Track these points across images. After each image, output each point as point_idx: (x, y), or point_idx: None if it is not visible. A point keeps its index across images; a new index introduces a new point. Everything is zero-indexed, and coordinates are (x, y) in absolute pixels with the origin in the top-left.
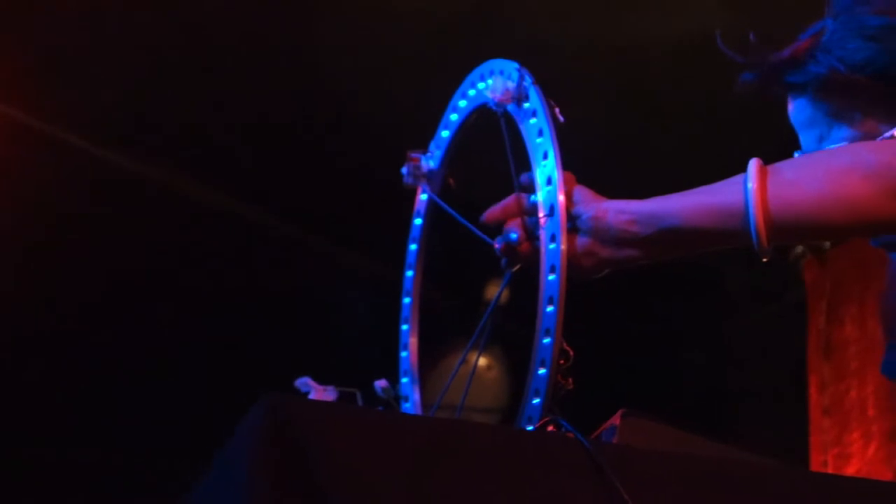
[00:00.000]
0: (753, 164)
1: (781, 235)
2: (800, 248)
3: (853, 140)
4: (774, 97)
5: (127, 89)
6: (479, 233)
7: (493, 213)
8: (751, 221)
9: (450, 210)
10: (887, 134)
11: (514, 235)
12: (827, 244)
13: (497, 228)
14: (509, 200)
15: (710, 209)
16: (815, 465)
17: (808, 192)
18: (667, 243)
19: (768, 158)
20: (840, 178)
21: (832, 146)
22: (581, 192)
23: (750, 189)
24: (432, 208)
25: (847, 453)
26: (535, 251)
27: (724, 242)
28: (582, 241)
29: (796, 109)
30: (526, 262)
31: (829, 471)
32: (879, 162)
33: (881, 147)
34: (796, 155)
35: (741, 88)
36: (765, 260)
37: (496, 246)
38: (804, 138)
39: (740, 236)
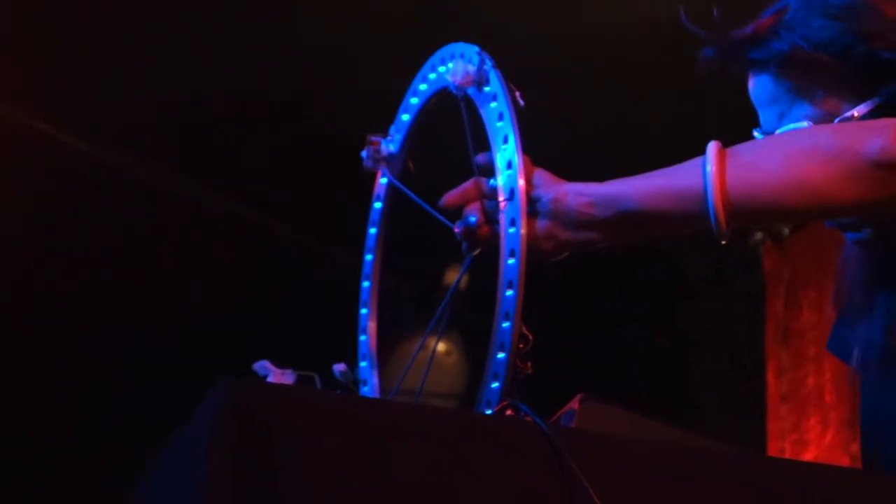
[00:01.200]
0: (712, 147)
1: (740, 218)
2: (759, 234)
3: (814, 118)
4: (735, 74)
5: (82, 67)
6: (439, 216)
7: (452, 196)
8: (709, 204)
9: (409, 193)
10: (847, 114)
11: (473, 219)
12: (786, 230)
13: (457, 212)
14: (468, 184)
15: (669, 192)
16: (773, 451)
17: (767, 176)
18: (625, 226)
19: (731, 141)
20: (799, 162)
21: (792, 125)
22: (540, 176)
23: (708, 172)
24: (392, 192)
25: (804, 440)
26: (495, 235)
27: (683, 226)
28: (541, 224)
29: (757, 86)
30: (486, 246)
31: (787, 457)
32: (838, 146)
33: (840, 130)
34: (755, 134)
35: (702, 65)
36: (724, 243)
37: (456, 230)
38: (764, 116)
39: (699, 219)
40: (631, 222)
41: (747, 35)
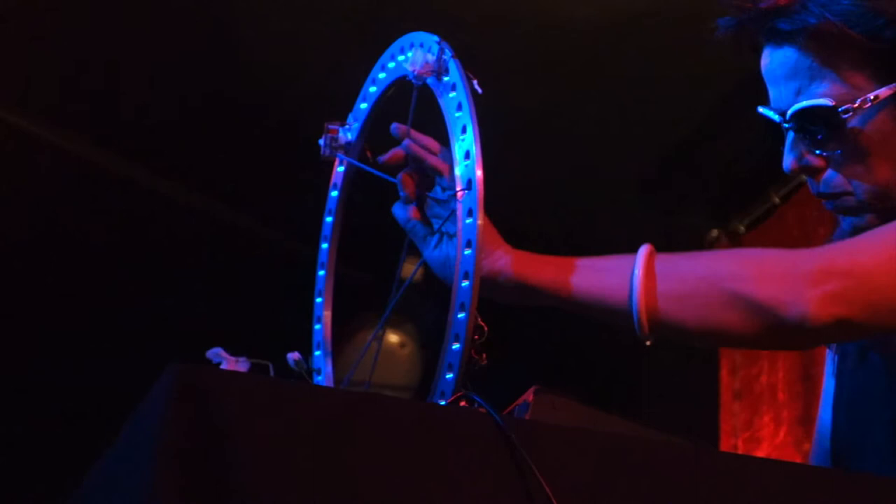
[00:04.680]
0: (642, 255)
1: (661, 332)
2: (715, 232)
3: (833, 96)
4: (748, 47)
5: (42, 58)
6: (391, 179)
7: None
8: (634, 316)
9: (369, 168)
10: (869, 95)
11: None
12: (742, 227)
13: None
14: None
15: (600, 292)
16: (726, 448)
17: (689, 315)
18: (553, 305)
19: (687, 131)
20: (721, 309)
21: (808, 101)
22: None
23: (636, 302)
24: (349, 180)
25: (757, 437)
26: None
27: (610, 321)
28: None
29: (775, 61)
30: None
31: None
32: (762, 297)
33: (767, 279)
34: (761, 111)
35: (721, 32)
36: (648, 343)
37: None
38: (778, 92)
39: (624, 319)
40: (559, 305)
41: (775, 4)
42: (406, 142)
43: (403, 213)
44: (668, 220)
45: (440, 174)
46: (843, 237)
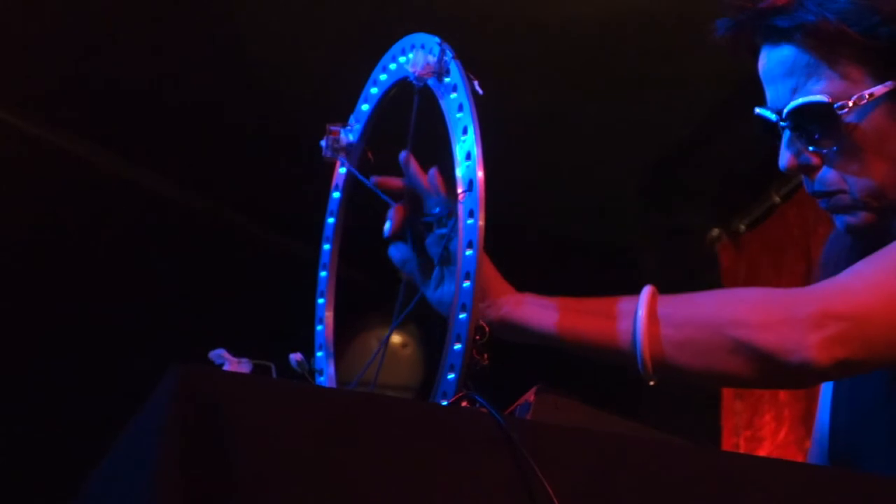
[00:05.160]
0: (644, 296)
1: (664, 375)
2: (715, 231)
3: (829, 93)
4: (746, 49)
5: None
6: (390, 201)
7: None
8: (639, 360)
9: (366, 182)
10: (864, 93)
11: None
12: (742, 226)
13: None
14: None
15: (602, 336)
16: (727, 447)
17: (694, 361)
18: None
19: (688, 131)
20: (727, 357)
21: (804, 98)
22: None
23: (640, 348)
24: (351, 182)
25: (759, 436)
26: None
27: (612, 362)
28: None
29: (773, 59)
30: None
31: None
32: (765, 344)
33: (769, 327)
34: (758, 112)
35: (719, 33)
36: (651, 384)
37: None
38: (775, 91)
39: (627, 361)
40: (563, 348)
41: (773, 3)
42: (409, 172)
43: (399, 253)
44: (669, 220)
45: (441, 208)
46: (839, 240)
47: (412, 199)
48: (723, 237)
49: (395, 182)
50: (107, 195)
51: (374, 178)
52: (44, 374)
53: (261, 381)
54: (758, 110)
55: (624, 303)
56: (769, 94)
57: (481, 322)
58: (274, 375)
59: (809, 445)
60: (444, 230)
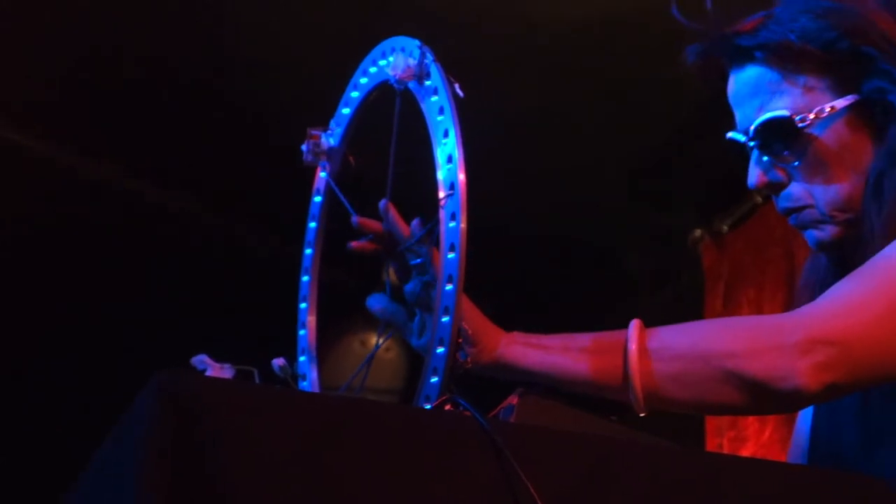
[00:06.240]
0: (632, 353)
1: (657, 406)
2: (698, 231)
3: (794, 109)
4: (716, 74)
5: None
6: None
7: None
8: (631, 393)
9: (342, 197)
10: (826, 106)
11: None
12: (724, 227)
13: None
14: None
15: (594, 374)
16: (711, 447)
17: (687, 393)
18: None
19: (670, 132)
20: (718, 388)
21: (770, 113)
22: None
23: (633, 383)
24: (332, 187)
25: (742, 437)
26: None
27: (605, 396)
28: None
29: (739, 81)
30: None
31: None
32: (756, 373)
33: (758, 355)
34: (730, 137)
35: (690, 59)
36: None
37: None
38: (742, 113)
39: (620, 395)
40: (554, 386)
41: (739, 27)
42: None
43: (378, 303)
44: (652, 221)
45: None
46: (816, 261)
47: (390, 243)
48: (705, 237)
49: (376, 225)
50: (86, 198)
51: (357, 219)
52: (18, 383)
53: (243, 386)
54: (729, 135)
55: (613, 337)
56: (738, 116)
57: (463, 325)
58: (257, 381)
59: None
60: (426, 277)
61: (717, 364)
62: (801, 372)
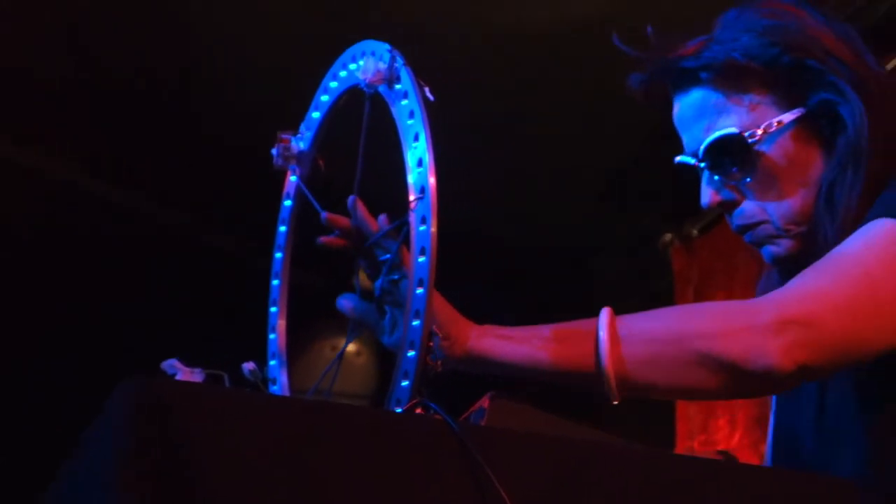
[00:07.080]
0: (604, 340)
1: (631, 393)
2: (668, 236)
3: (741, 127)
4: (661, 101)
5: None
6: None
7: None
8: (605, 385)
9: (313, 200)
10: (773, 120)
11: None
12: (694, 231)
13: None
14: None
15: (566, 362)
16: (681, 451)
17: (660, 377)
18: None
19: (641, 137)
20: (691, 370)
21: (719, 132)
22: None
23: (605, 370)
24: (302, 190)
25: (713, 440)
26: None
27: (577, 387)
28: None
29: (685, 104)
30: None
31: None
32: (728, 353)
33: (732, 335)
34: (679, 160)
35: (634, 87)
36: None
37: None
38: (690, 136)
39: (593, 383)
40: (527, 377)
41: (682, 51)
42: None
43: (348, 303)
44: (623, 225)
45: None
46: (769, 278)
47: (359, 239)
48: (675, 242)
49: (345, 221)
50: (52, 201)
51: (326, 214)
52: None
53: (213, 390)
54: (677, 158)
55: (583, 326)
56: (685, 139)
57: (434, 329)
58: (227, 385)
59: (765, 448)
60: (394, 276)
61: (690, 346)
62: (774, 351)
